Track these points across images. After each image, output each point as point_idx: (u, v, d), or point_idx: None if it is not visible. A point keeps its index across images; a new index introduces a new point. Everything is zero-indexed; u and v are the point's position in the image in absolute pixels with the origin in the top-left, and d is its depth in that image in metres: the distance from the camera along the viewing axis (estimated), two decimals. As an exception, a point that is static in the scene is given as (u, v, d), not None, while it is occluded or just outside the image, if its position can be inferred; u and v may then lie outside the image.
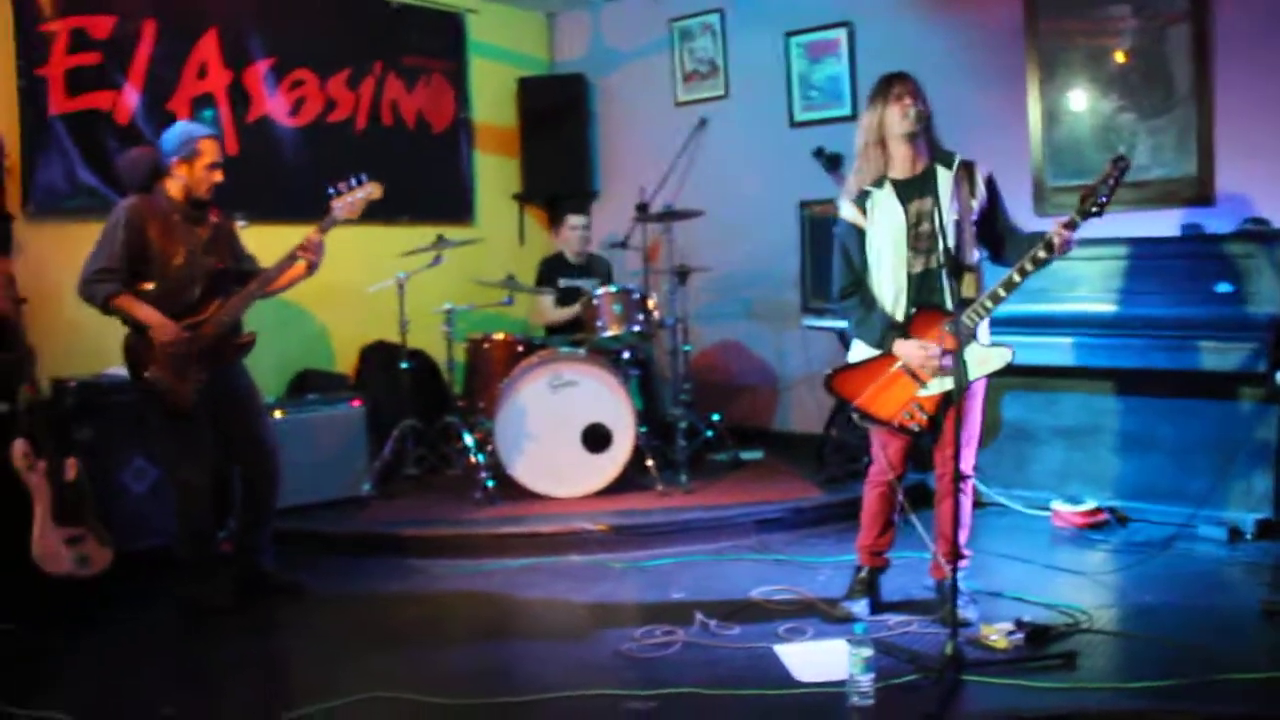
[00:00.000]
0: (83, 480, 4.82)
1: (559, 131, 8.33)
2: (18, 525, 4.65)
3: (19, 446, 4.68)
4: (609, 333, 6.24)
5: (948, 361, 3.93)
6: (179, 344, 4.58)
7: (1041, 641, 3.95)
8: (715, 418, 6.91)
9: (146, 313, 4.57)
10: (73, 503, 4.76)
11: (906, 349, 4.06)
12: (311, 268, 4.82)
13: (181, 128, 4.76)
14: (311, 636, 4.58)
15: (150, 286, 4.63)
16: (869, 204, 4.18)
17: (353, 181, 4.86)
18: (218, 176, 4.73)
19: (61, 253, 5.37)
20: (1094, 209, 3.76)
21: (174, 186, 4.70)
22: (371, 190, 4.86)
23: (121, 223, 4.61)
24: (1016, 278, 3.87)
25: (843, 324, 6.24)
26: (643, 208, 6.97)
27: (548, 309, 7.13)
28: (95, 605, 4.75)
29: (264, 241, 5.11)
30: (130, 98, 6.24)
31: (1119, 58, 5.96)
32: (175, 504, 4.79)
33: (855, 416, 4.24)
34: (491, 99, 8.32)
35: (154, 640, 4.52)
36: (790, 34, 7.34)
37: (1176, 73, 5.79)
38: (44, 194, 5.90)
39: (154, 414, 4.70)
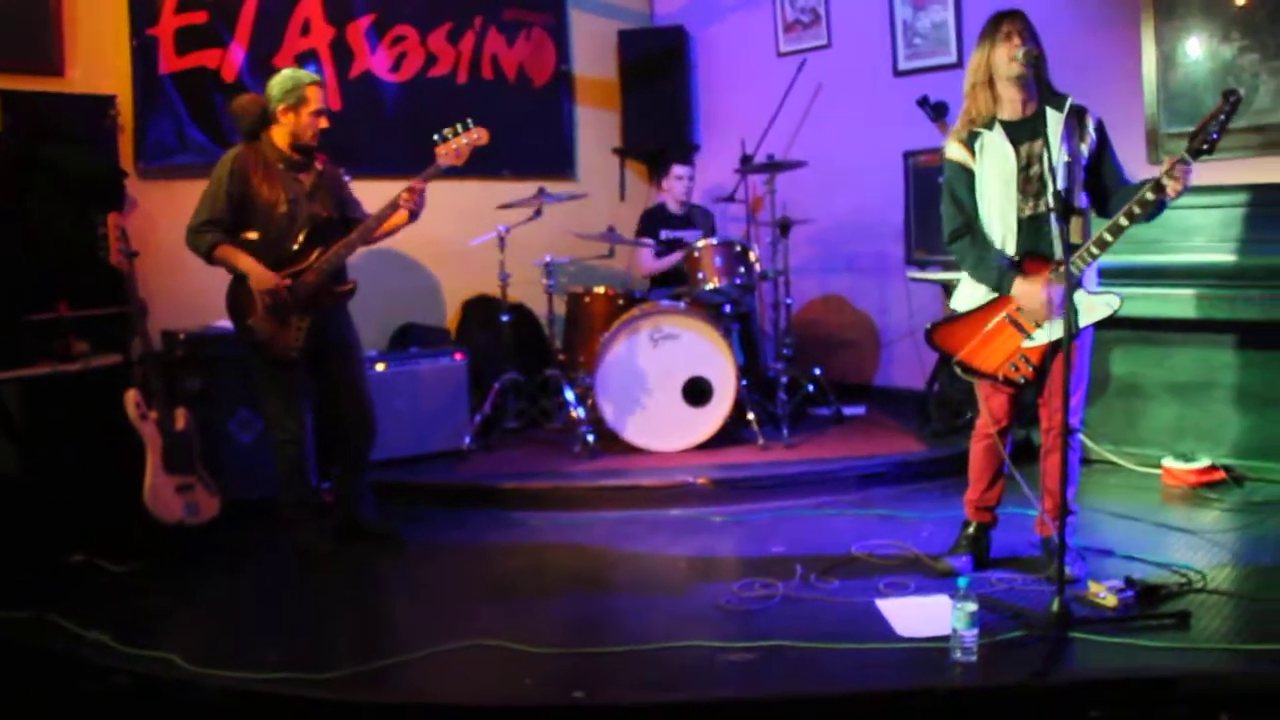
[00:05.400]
0: (191, 430, 4.95)
1: (659, 84, 8.24)
2: (131, 473, 4.78)
3: (131, 396, 4.82)
4: (710, 285, 6.18)
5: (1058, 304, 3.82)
6: (277, 293, 4.64)
7: (1152, 600, 3.82)
8: (817, 372, 6.83)
9: (246, 263, 4.64)
10: (182, 452, 4.89)
11: (1026, 289, 3.94)
12: (413, 215, 4.84)
13: (288, 74, 4.77)
14: (413, 585, 4.65)
15: (254, 235, 4.71)
16: (978, 145, 4.07)
17: (458, 127, 4.86)
18: (323, 123, 4.76)
19: (171, 208, 5.51)
20: (1204, 146, 3.61)
21: (280, 135, 4.74)
22: (478, 135, 4.85)
23: (225, 173, 4.68)
24: (1124, 221, 3.73)
25: (947, 276, 6.13)
26: (747, 159, 6.87)
27: (647, 260, 7.11)
28: (203, 552, 4.87)
29: (366, 196, 5.14)
30: (236, 55, 6.33)
31: (1240, -1, 5.67)
32: (275, 452, 4.88)
33: (958, 370, 4.15)
34: (591, 52, 8.26)
35: (259, 586, 4.62)
36: (894, -20, 7.15)
37: (1302, 11, 5.48)
38: (155, 150, 6.03)
39: (256, 363, 4.78)
